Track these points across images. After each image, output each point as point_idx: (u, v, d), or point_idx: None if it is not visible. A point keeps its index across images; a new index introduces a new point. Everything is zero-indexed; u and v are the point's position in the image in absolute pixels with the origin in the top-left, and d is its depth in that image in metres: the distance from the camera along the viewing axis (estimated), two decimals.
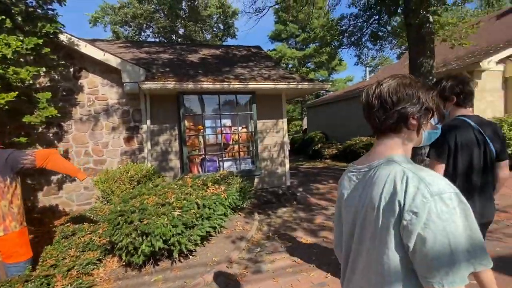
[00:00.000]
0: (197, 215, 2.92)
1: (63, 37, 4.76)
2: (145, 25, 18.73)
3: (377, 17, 8.27)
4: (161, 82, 4.90)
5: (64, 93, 5.12)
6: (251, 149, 6.02)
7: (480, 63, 7.01)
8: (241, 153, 5.95)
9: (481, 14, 20.03)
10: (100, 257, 3.06)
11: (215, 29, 21.39)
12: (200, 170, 5.73)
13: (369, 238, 0.76)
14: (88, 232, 3.22)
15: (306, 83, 5.84)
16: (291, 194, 6.14)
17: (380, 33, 8.96)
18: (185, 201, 2.91)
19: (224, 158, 5.81)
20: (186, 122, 5.52)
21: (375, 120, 0.82)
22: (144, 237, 2.59)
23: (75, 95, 5.18)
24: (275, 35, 22.83)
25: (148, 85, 4.83)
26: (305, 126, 21.65)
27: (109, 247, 3.11)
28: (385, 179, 0.73)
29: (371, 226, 0.75)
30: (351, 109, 13.92)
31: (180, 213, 2.74)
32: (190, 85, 5.03)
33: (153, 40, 18.35)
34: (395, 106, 0.78)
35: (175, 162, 5.61)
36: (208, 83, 5.15)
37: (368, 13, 8.43)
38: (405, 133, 0.81)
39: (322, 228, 4.14)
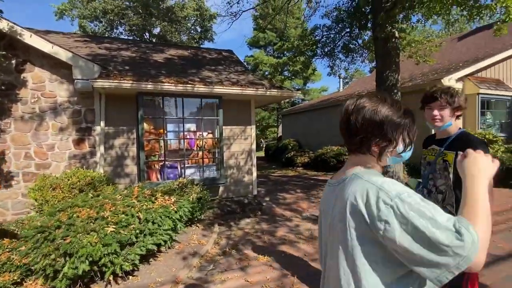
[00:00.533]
0: (138, 231, 2.58)
1: (3, 25, 4.23)
2: (117, 21, 17.86)
3: (348, 29, 8.45)
4: (116, 81, 4.50)
5: (3, 87, 4.55)
6: (216, 156, 5.74)
7: (442, 80, 7.34)
8: (206, 160, 5.65)
9: (444, 35, 21.56)
10: (20, 280, 2.60)
11: (192, 31, 20.97)
12: (159, 177, 5.34)
13: (339, 252, 0.78)
14: (7, 250, 2.74)
15: (274, 90, 5.71)
16: (257, 203, 5.92)
17: (351, 46, 9.18)
18: (123, 215, 2.56)
19: (186, 165, 5.47)
20: (145, 125, 5.13)
21: (344, 138, 0.87)
22: (68, 258, 2.21)
23: (17, 90, 4.62)
24: (254, 42, 22.89)
25: (101, 83, 4.41)
26: (280, 133, 21.75)
27: (32, 267, 2.67)
28: (349, 193, 0.76)
29: (341, 240, 0.77)
30: (324, 119, 14.13)
31: (115, 229, 2.40)
32: (149, 86, 4.68)
33: (125, 38, 17.53)
34: (359, 134, 0.80)
35: (131, 168, 5.17)
36: (170, 84, 4.83)
37: (340, 25, 8.59)
38: (368, 155, 0.83)
39: (282, 242, 3.94)
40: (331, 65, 10.31)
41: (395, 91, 5.58)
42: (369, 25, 7.58)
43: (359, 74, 26.70)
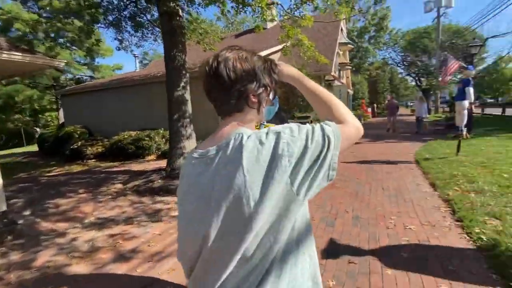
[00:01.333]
0: None
1: None
2: None
3: None
4: None
5: None
6: None
7: None
8: None
9: (226, 32, 25.86)
10: None
11: None
12: None
13: (242, 226, 0.65)
14: None
15: (18, 54, 3.85)
16: (6, 224, 3.98)
17: (140, 20, 8.38)
18: None
19: None
20: None
21: (216, 100, 0.77)
22: None
23: None
24: None
25: None
26: (63, 119, 16.91)
27: None
28: (242, 153, 0.66)
29: (241, 211, 0.65)
30: (119, 100, 12.46)
31: None
32: None
33: None
34: (234, 85, 0.72)
35: None
36: None
37: None
38: (247, 111, 0.77)
39: (43, 273, 2.76)
40: (119, 38, 9.01)
41: (184, 72, 5.54)
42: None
43: (158, 57, 26.13)
